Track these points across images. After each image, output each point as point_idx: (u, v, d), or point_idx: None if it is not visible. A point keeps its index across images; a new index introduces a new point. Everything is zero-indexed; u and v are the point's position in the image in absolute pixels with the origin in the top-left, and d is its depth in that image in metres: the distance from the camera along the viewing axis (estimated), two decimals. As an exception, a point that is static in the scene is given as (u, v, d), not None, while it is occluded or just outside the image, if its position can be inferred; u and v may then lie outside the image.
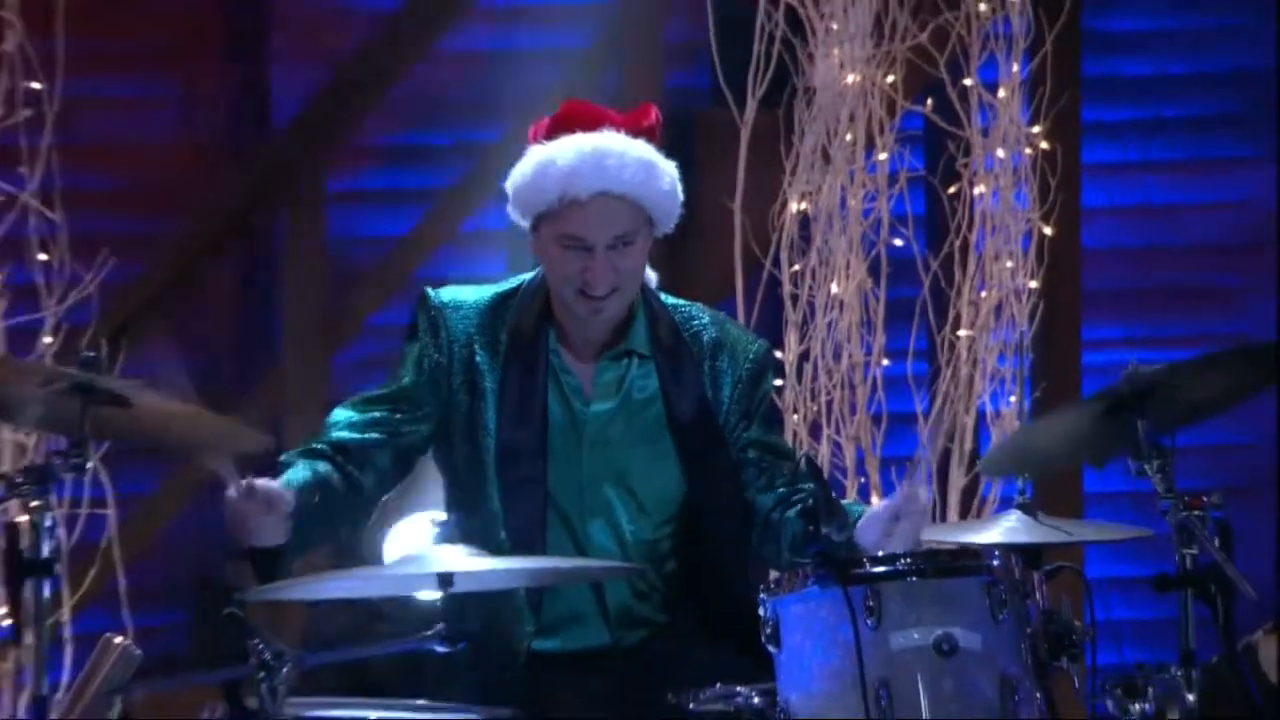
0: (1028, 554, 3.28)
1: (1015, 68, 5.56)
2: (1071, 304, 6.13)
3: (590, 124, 3.39)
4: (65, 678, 4.50)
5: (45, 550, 2.78)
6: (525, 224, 3.37)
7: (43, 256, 4.97)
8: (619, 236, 3.25)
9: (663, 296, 3.54)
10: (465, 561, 2.81)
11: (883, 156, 5.41)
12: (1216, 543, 2.99)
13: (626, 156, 3.31)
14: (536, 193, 3.30)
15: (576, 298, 3.27)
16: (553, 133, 3.39)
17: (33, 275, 5.01)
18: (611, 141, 3.34)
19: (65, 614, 4.76)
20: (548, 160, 3.30)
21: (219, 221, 6.23)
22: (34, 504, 2.78)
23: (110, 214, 6.01)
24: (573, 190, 3.24)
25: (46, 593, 2.86)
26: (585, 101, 3.57)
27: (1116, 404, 3.16)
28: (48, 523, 2.84)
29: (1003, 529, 3.60)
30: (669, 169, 3.43)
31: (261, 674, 2.61)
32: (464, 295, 3.48)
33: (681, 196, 3.45)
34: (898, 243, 5.40)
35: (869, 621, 2.76)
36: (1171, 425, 3.21)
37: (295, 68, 6.60)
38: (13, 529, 2.86)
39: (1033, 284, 5.48)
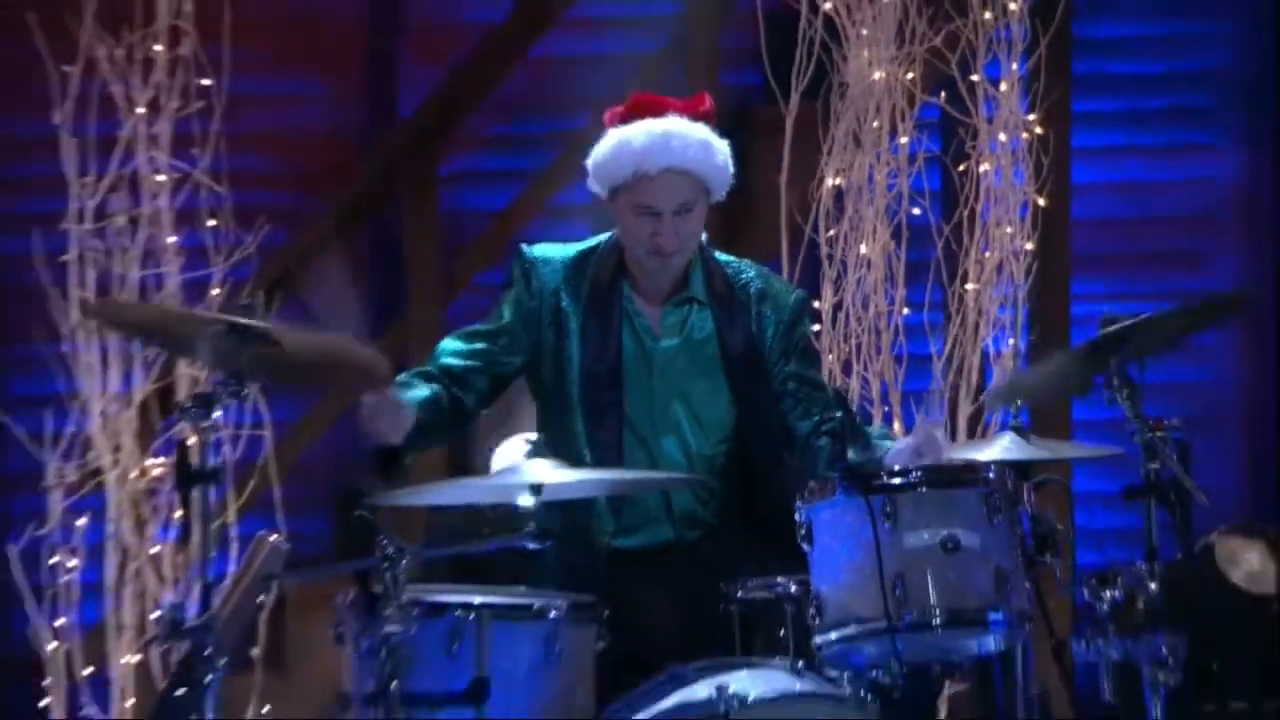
0: (1019, 469, 3.28)
1: (1014, 66, 5.56)
2: (1061, 264, 6.07)
3: (657, 111, 3.36)
4: (230, 569, 4.54)
5: (210, 463, 2.79)
6: (604, 195, 3.35)
7: (212, 224, 5.05)
8: (683, 204, 3.23)
9: (716, 254, 3.53)
10: (553, 473, 2.83)
11: (904, 140, 5.40)
12: (1176, 459, 2.97)
13: (689, 138, 3.30)
14: (614, 169, 3.28)
15: (647, 255, 3.26)
16: (626, 119, 3.37)
17: (203, 239, 5.10)
18: (676, 125, 3.33)
19: (230, 517, 4.81)
20: (623, 142, 3.28)
21: (355, 198, 6.30)
22: (202, 425, 2.79)
23: (267, 190, 6.07)
24: (644, 166, 3.22)
25: (212, 499, 2.89)
26: (652, 93, 3.58)
27: (1095, 344, 3.17)
28: (213, 441, 2.86)
29: (999, 448, 3.59)
30: (723, 147, 3.43)
31: (386, 565, 2.64)
32: (552, 252, 3.46)
33: (733, 170, 3.44)
34: (916, 212, 5.40)
35: (886, 525, 2.77)
36: (1138, 361, 3.18)
37: (419, 71, 6.64)
38: (183, 446, 2.87)
39: (1029, 246, 5.48)
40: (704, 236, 3.44)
